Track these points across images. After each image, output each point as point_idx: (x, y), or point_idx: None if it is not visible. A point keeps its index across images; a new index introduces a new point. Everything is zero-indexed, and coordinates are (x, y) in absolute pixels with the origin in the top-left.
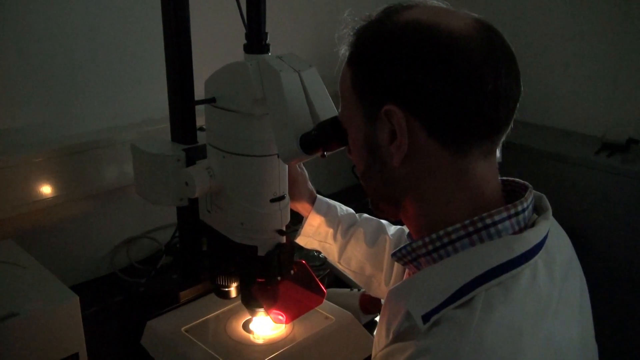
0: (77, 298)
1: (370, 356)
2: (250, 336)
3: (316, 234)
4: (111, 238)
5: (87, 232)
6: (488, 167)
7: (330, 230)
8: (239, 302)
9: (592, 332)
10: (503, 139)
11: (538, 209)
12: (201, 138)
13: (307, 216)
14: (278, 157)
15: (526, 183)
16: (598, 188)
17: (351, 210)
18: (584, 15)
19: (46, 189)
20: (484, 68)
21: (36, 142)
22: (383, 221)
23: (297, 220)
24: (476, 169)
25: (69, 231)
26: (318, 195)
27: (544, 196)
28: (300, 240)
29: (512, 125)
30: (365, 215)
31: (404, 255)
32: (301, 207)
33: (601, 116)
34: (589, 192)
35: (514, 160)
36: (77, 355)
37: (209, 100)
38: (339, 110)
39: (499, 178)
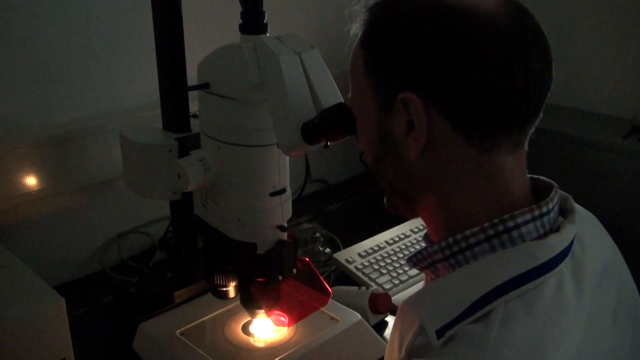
0: (64, 301)
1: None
2: (250, 339)
3: None
4: (100, 233)
5: (74, 227)
6: (516, 162)
7: None
8: (238, 302)
9: (628, 344)
10: (533, 129)
11: (563, 211)
12: (195, 126)
13: None
14: (278, 147)
15: (551, 182)
16: (627, 174)
17: None
18: None
19: (30, 182)
20: (514, 53)
21: (18, 132)
22: None
23: (298, 214)
24: (503, 165)
25: (54, 226)
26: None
27: (570, 197)
28: None
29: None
30: None
31: (420, 260)
32: None
33: (631, 97)
34: (617, 179)
35: (536, 145)
36: None
37: (202, 86)
38: (346, 95)
39: (527, 175)
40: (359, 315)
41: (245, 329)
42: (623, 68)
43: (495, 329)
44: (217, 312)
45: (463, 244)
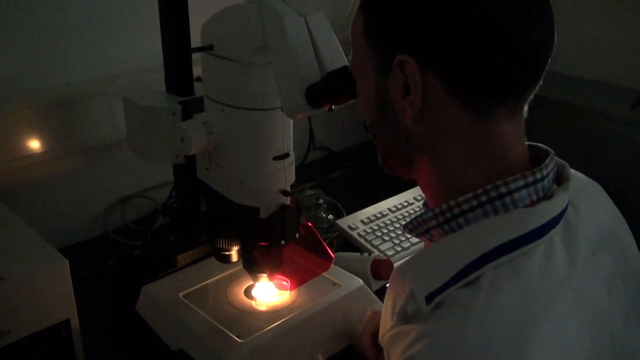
0: (67, 262)
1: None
2: (253, 303)
3: None
4: (104, 197)
5: (78, 190)
6: (513, 129)
7: None
8: (241, 267)
9: (624, 313)
10: (532, 95)
11: (559, 179)
12: (199, 90)
13: None
14: (282, 110)
15: (548, 149)
16: (633, 145)
17: None
18: None
19: (33, 144)
20: (513, 16)
21: (21, 93)
22: None
23: (302, 180)
24: (499, 131)
25: (58, 189)
26: None
27: (567, 165)
28: None
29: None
30: None
31: (415, 227)
32: None
33: (638, 67)
34: (624, 150)
35: (541, 114)
36: (68, 321)
37: (206, 48)
38: (349, 59)
39: (526, 142)
40: (361, 281)
41: (247, 292)
42: (632, 37)
43: (483, 295)
44: (219, 276)
45: (456, 211)
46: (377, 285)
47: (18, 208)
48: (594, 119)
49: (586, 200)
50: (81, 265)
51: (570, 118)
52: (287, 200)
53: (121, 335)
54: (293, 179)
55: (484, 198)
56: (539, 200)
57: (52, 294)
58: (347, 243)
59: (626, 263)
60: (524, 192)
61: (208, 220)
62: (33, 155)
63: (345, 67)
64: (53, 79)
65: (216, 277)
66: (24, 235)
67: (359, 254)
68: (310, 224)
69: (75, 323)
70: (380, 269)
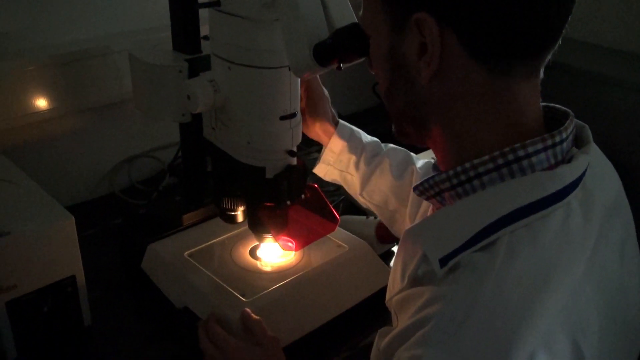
0: (73, 218)
1: (384, 288)
2: (258, 263)
3: (337, 161)
4: (110, 156)
5: (84, 149)
6: (530, 90)
7: (353, 158)
8: (246, 227)
9: (635, 283)
10: (550, 55)
11: (578, 141)
12: (205, 48)
13: (328, 141)
14: (289, 69)
15: (567, 110)
16: None
17: (376, 139)
18: None
19: (39, 102)
20: None
21: (26, 50)
22: (412, 153)
23: (310, 142)
24: (517, 92)
25: (64, 148)
26: (340, 120)
27: (587, 127)
28: (320, 170)
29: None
30: (392, 145)
31: (427, 189)
32: (322, 131)
33: None
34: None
35: (555, 82)
36: (74, 277)
37: (213, 4)
38: (360, 16)
39: (541, 103)
40: (366, 243)
41: (252, 253)
42: None
43: (500, 258)
44: (225, 236)
45: (471, 173)
46: (382, 249)
47: (24, 166)
48: (608, 87)
49: (599, 164)
50: (87, 224)
51: (583, 86)
52: (294, 161)
53: (126, 292)
54: (299, 139)
55: (500, 161)
56: (557, 164)
57: (58, 249)
58: (352, 207)
59: (629, 233)
60: (543, 155)
61: (214, 180)
62: (38, 113)
63: (355, 24)
64: (58, 36)
65: (221, 237)
66: (30, 192)
67: (364, 217)
68: (316, 186)
69: (81, 279)
70: (385, 233)
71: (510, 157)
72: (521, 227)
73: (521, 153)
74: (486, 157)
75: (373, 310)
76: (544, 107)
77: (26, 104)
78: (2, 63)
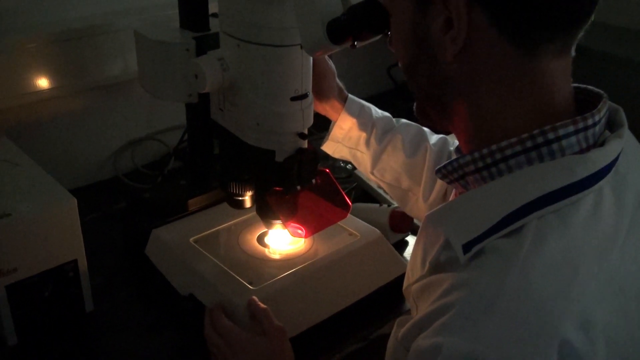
0: (75, 200)
1: (397, 279)
2: (265, 250)
3: (346, 138)
4: (114, 139)
5: (87, 130)
6: (561, 69)
7: (363, 135)
8: (254, 213)
9: None
10: (581, 33)
11: (611, 125)
12: (214, 26)
13: (337, 118)
14: (301, 47)
15: (600, 92)
16: None
17: (387, 114)
18: None
19: (40, 80)
20: None
21: (27, 26)
22: (425, 128)
23: (322, 126)
24: (546, 70)
25: (66, 129)
26: (350, 95)
27: (621, 109)
28: (328, 147)
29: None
30: (404, 120)
31: (450, 172)
32: (330, 107)
33: None
34: None
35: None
36: (76, 262)
37: None
38: None
39: (572, 83)
40: (379, 232)
41: (260, 240)
42: None
43: (527, 245)
44: (232, 222)
45: (498, 156)
46: (395, 238)
47: (25, 146)
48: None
49: (634, 149)
50: (90, 208)
51: (610, 71)
52: (304, 144)
53: (129, 279)
54: (311, 121)
55: (529, 144)
56: (589, 148)
57: (59, 233)
58: (365, 194)
59: None
60: (574, 138)
61: (221, 163)
62: (39, 92)
63: (370, 0)
64: (61, 12)
65: (228, 223)
66: (31, 173)
67: (377, 205)
68: (327, 170)
69: (83, 264)
70: (399, 222)
71: (540, 139)
72: (550, 213)
73: (551, 136)
74: (514, 140)
75: (385, 302)
76: (575, 88)
77: (27, 83)
78: (2, 40)
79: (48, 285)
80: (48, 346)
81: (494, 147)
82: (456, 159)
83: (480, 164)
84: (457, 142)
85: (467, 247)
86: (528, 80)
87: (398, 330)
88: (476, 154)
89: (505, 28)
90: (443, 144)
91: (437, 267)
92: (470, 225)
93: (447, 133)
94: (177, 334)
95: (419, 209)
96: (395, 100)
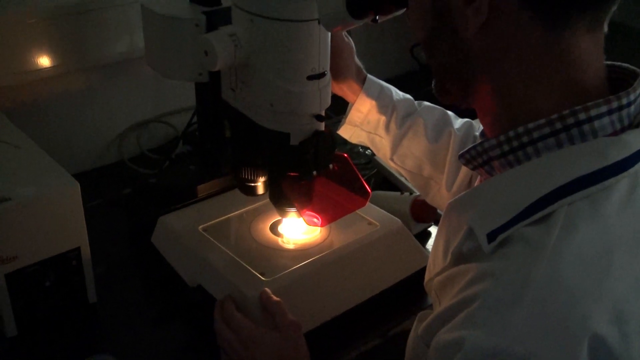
0: (78, 184)
1: (418, 272)
2: (279, 240)
3: (364, 122)
4: (119, 121)
5: (91, 111)
6: (592, 45)
7: (383, 118)
8: (267, 200)
9: None
10: (615, 6)
11: None
12: (226, 0)
13: (355, 100)
14: (319, 22)
15: (636, 69)
16: None
17: (409, 97)
18: None
19: (42, 58)
20: None
21: (28, 0)
22: (449, 112)
23: (339, 110)
24: (576, 46)
25: (68, 109)
26: (369, 75)
27: None
28: (345, 132)
29: None
30: (427, 103)
31: (474, 157)
32: (347, 87)
33: None
34: None
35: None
36: (79, 249)
37: None
38: None
39: (604, 61)
40: (400, 221)
41: (273, 228)
42: None
43: (556, 233)
44: (243, 210)
45: (525, 139)
46: (417, 228)
47: (25, 127)
48: None
49: None
50: (93, 194)
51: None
52: (321, 126)
53: (135, 268)
54: (329, 102)
55: (559, 125)
56: (623, 129)
57: (61, 219)
58: (385, 182)
59: None
60: (606, 119)
61: (232, 147)
62: (40, 70)
63: None
64: None
65: (239, 211)
66: (31, 156)
67: (398, 193)
68: (346, 155)
69: (86, 252)
70: (421, 210)
71: (570, 120)
72: (580, 199)
73: (582, 116)
74: (542, 121)
75: (406, 296)
76: (609, 66)
77: (27, 60)
78: (1, 15)
79: (49, 274)
80: (49, 338)
81: (520, 129)
82: (480, 143)
83: (506, 148)
84: (482, 127)
85: (491, 236)
86: (555, 57)
87: (419, 326)
88: (502, 137)
89: (531, 2)
90: (468, 128)
91: (460, 258)
92: (495, 213)
93: (470, 112)
94: (184, 327)
95: (441, 198)
96: (418, 82)
